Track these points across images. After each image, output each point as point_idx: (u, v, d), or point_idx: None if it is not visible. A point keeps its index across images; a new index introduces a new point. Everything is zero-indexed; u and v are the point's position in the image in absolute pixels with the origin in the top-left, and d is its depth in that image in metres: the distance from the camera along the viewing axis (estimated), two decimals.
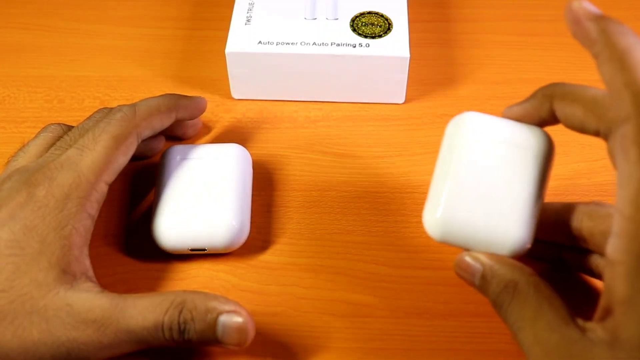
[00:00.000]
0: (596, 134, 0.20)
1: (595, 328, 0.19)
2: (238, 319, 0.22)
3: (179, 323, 0.22)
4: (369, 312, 0.26)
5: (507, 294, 0.21)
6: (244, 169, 0.28)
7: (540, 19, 0.38)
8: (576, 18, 0.20)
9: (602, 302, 0.19)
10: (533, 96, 0.23)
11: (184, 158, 0.28)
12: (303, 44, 0.32)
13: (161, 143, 0.31)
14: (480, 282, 0.22)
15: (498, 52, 0.36)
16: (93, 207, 0.24)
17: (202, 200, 0.27)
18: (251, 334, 0.23)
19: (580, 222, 0.24)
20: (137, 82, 0.35)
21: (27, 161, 0.26)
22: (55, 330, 0.21)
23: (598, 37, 0.19)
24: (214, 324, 0.22)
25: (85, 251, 0.23)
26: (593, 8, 0.20)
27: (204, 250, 0.27)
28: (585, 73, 0.35)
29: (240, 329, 0.22)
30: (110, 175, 0.25)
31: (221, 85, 0.34)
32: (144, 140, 0.29)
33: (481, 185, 0.22)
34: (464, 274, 0.23)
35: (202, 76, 0.35)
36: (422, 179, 0.30)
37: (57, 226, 0.23)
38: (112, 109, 0.28)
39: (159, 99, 0.28)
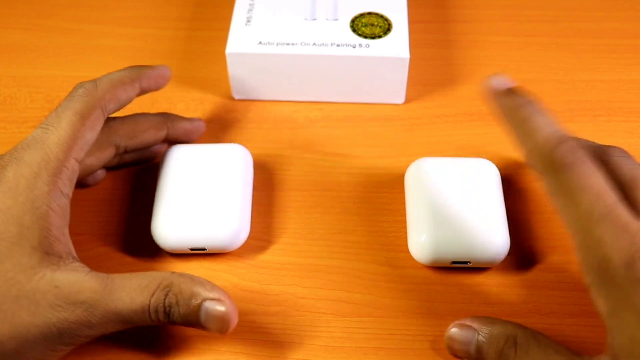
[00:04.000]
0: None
1: (601, 357, 0.20)
2: (221, 308, 0.22)
3: (164, 306, 0.22)
4: (369, 311, 0.26)
5: (510, 348, 0.22)
6: (244, 169, 0.28)
7: (539, 19, 0.38)
8: (487, 95, 0.23)
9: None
10: None
11: (185, 158, 0.28)
12: (303, 44, 0.32)
13: (164, 147, 0.31)
14: (478, 347, 0.23)
15: (497, 52, 0.36)
16: (65, 185, 0.24)
17: (202, 199, 0.27)
18: (233, 322, 0.23)
19: None
20: None
21: None
22: (45, 312, 0.21)
23: (504, 113, 0.23)
24: (197, 309, 0.22)
25: (66, 232, 0.23)
26: (502, 83, 0.23)
27: (204, 249, 0.27)
28: (583, 74, 0.35)
29: (223, 318, 0.22)
30: (79, 151, 0.24)
31: (221, 85, 0.34)
32: (148, 148, 0.30)
33: (452, 206, 0.26)
34: (459, 345, 0.23)
35: (202, 76, 0.35)
36: None
37: (32, 207, 0.22)
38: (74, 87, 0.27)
39: (121, 71, 0.27)
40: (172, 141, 0.30)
